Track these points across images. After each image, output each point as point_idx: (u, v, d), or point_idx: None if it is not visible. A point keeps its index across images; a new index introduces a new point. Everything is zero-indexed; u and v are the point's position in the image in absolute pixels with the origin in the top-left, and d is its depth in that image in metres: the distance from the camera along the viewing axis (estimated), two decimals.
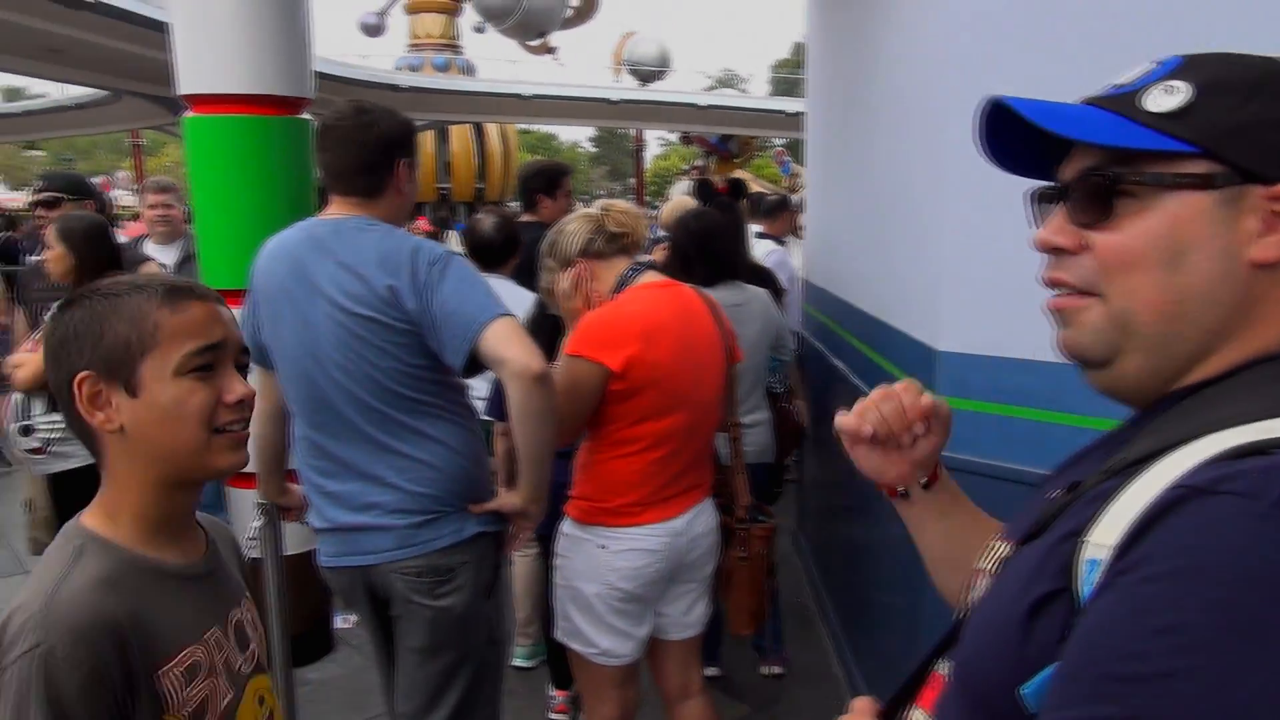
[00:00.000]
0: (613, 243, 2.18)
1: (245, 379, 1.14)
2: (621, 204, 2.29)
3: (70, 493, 3.09)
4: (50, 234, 3.22)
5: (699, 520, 2.20)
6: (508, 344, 1.82)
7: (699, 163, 24.15)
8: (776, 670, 3.48)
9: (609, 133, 51.46)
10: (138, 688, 1.00)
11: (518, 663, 3.49)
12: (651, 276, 2.18)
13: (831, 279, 3.82)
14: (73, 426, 1.08)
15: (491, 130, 21.23)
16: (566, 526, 2.18)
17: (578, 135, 57.70)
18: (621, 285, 2.15)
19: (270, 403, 2.12)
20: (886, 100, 2.77)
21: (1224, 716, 0.49)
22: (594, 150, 58.34)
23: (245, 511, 3.39)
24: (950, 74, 2.14)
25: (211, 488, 4.63)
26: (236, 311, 2.08)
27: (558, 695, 3.20)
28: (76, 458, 3.04)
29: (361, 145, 1.95)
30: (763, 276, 3.65)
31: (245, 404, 1.12)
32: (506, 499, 2.01)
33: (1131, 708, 0.52)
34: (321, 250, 1.92)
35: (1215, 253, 0.66)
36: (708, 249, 2.95)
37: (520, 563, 3.47)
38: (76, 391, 1.05)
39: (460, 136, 20.48)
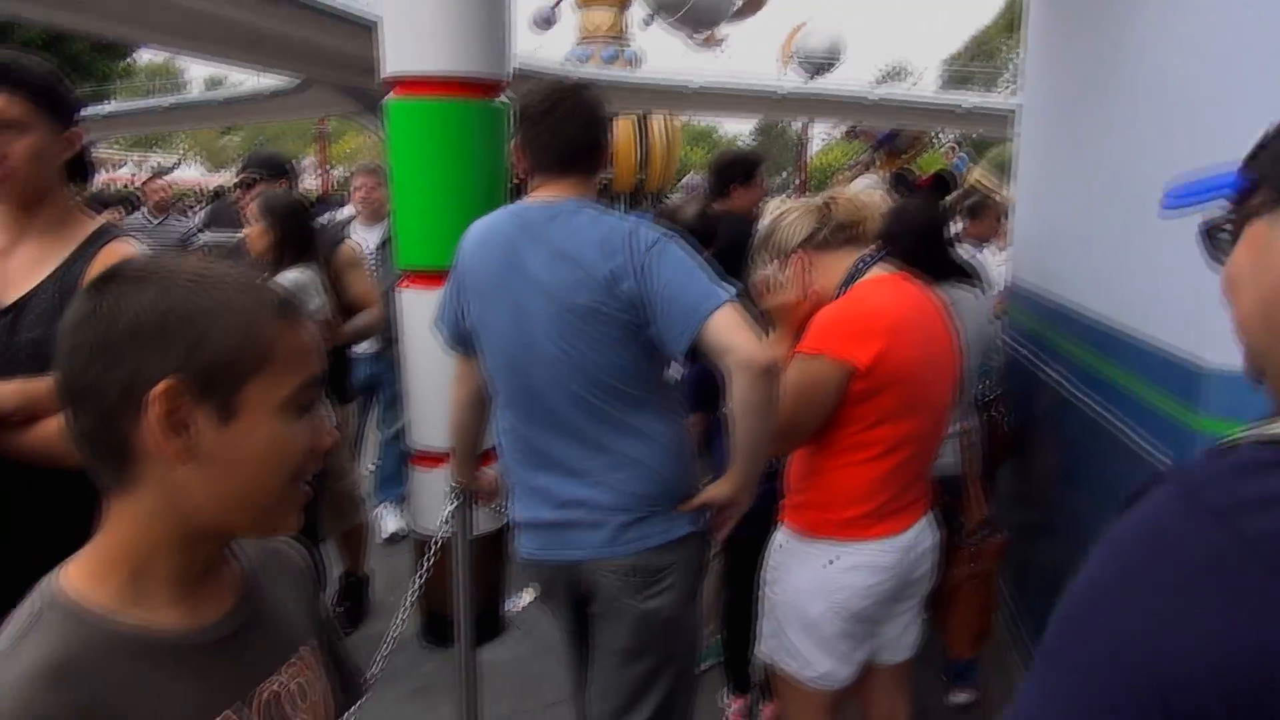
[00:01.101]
0: (840, 233, 2.02)
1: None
2: (850, 191, 2.13)
3: None
4: (252, 210, 3.32)
5: (924, 535, 2.03)
6: (735, 332, 1.71)
7: (863, 157, 23.52)
8: (965, 698, 3.24)
9: (770, 126, 50.95)
10: None
11: None
12: (883, 269, 2.02)
13: (1049, 279, 3.52)
14: (95, 441, 0.81)
15: (655, 122, 21.31)
16: (784, 539, 2.04)
17: (739, 129, 57.41)
18: (852, 279, 1.99)
19: (470, 389, 2.08)
20: (1149, 87, 2.49)
21: (1108, 653, 0.61)
22: (754, 143, 57.97)
23: (424, 492, 3.44)
24: (1240, 56, 1.88)
25: (392, 463, 4.76)
26: (433, 292, 2.11)
27: (733, 703, 3.07)
28: None
29: (586, 124, 1.88)
30: (968, 276, 3.40)
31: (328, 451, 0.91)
32: (715, 491, 1.90)
33: (1055, 642, 0.67)
34: (535, 237, 1.85)
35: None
36: (923, 244, 2.74)
37: None
38: (149, 404, 0.78)
39: (623, 128, 20.66)
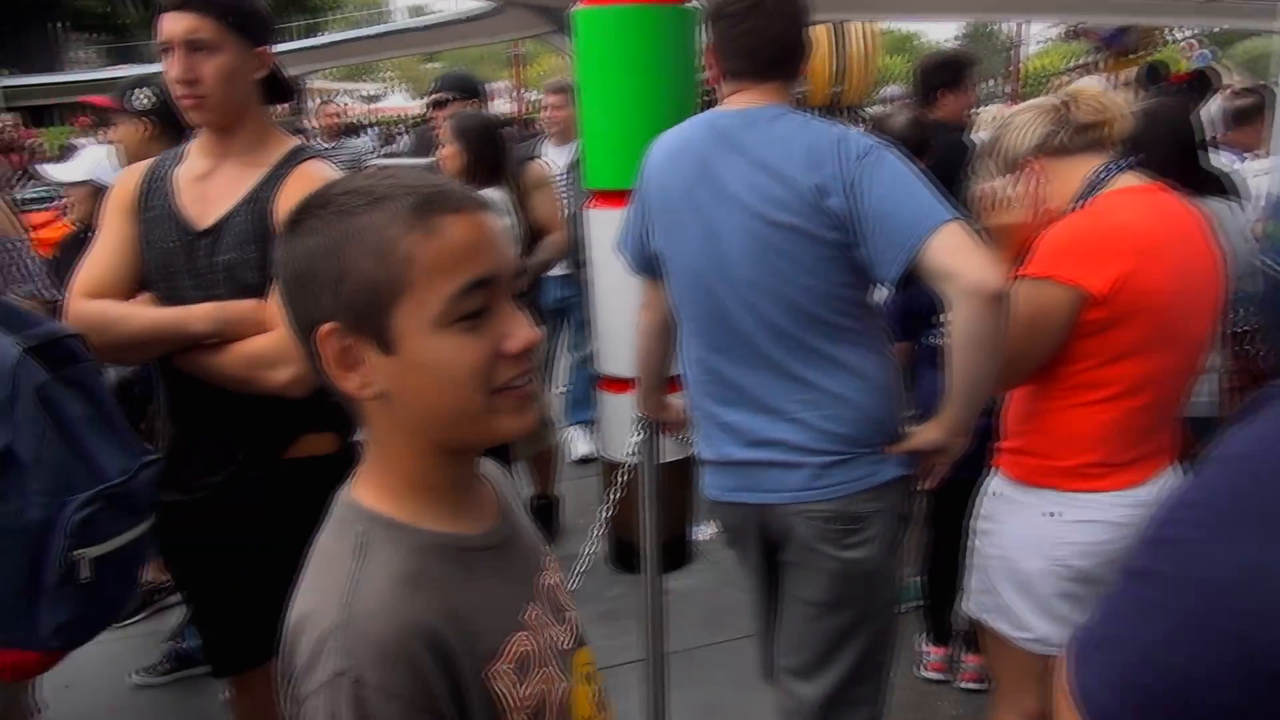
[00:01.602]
0: (1080, 136, 1.73)
1: (525, 312, 0.85)
2: (1093, 89, 1.83)
3: None
4: (444, 131, 3.31)
5: (1167, 491, 1.76)
6: (961, 254, 1.50)
7: (1086, 59, 21.43)
8: None
9: (978, 29, 47.49)
10: (468, 703, 0.80)
11: None
12: (1131, 179, 1.72)
13: None
14: (325, 383, 0.84)
15: (853, 30, 20.18)
16: (999, 485, 1.83)
17: (942, 34, 53.88)
18: (1091, 190, 1.71)
19: (656, 317, 1.96)
20: None
21: (1196, 592, 0.57)
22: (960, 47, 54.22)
23: (613, 417, 3.41)
24: None
25: (583, 386, 4.78)
26: (620, 213, 2.00)
27: (933, 652, 2.89)
28: None
29: (791, 22, 1.69)
30: (1224, 190, 2.94)
31: (530, 352, 0.83)
32: (927, 434, 1.71)
33: (1142, 562, 0.64)
34: (731, 147, 1.68)
35: None
36: (1179, 151, 2.36)
37: None
38: (320, 350, 0.80)
39: (819, 37, 19.69)
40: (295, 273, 0.80)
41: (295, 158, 1.76)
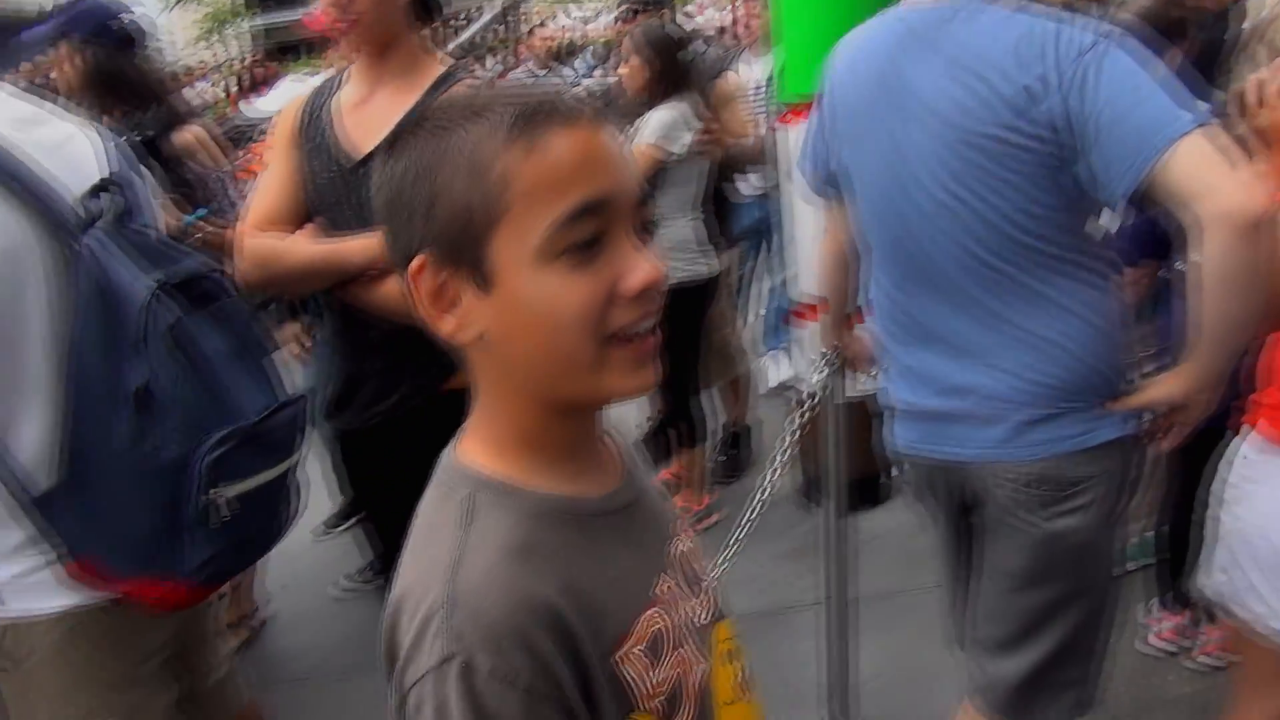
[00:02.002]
0: None
1: (651, 247, 0.71)
2: None
3: None
4: (626, 45, 3.16)
5: None
6: (1207, 170, 1.21)
7: None
8: None
9: None
10: (595, 688, 0.69)
11: None
12: None
13: None
14: (424, 325, 0.73)
15: None
16: (1249, 449, 1.53)
17: None
18: None
19: (838, 244, 1.76)
20: None
21: None
22: None
23: (805, 345, 3.21)
24: None
25: (776, 313, 4.59)
26: (800, 126, 1.79)
27: (1164, 620, 2.55)
28: None
29: None
30: None
31: (652, 293, 0.69)
32: (1164, 387, 1.43)
33: None
34: (924, 45, 1.42)
35: None
36: None
37: None
38: (413, 286, 0.70)
39: None
40: (388, 199, 0.70)
41: (448, 80, 1.70)
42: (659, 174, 2.98)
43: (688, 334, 3.22)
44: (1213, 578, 1.62)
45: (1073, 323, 1.41)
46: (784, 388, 4.38)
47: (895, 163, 1.47)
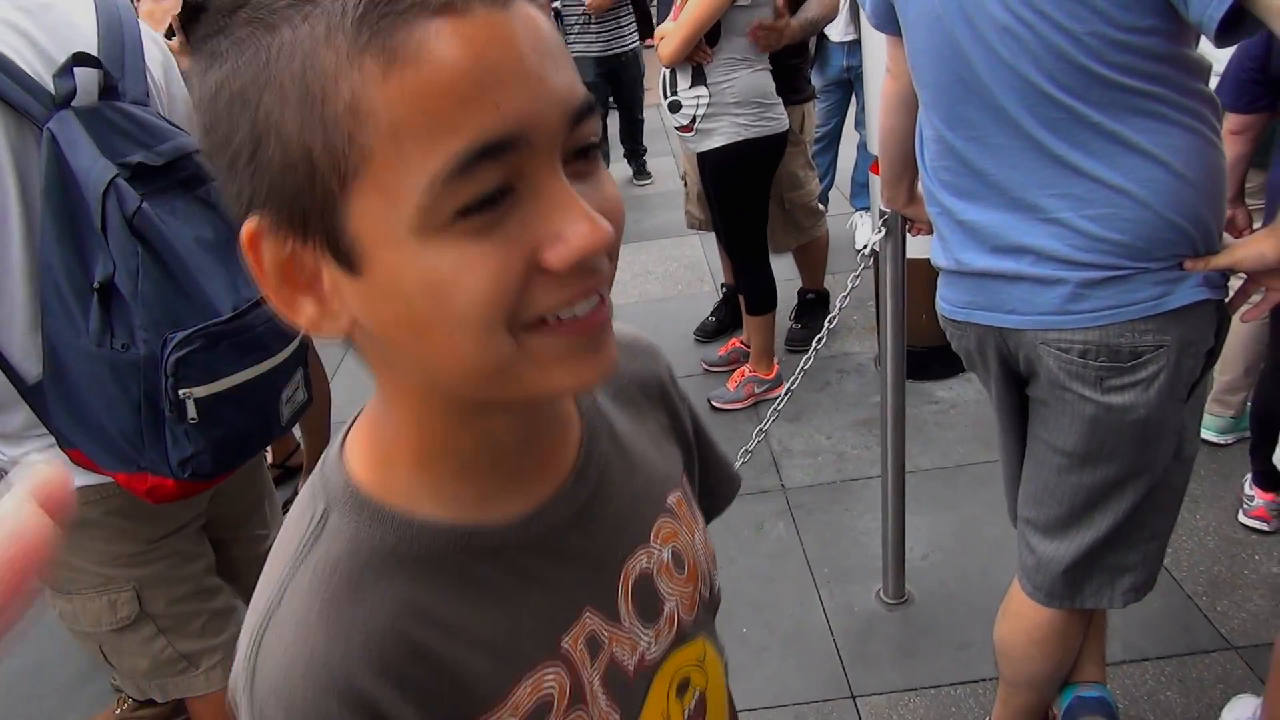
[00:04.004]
0: None
1: (596, 181, 0.49)
2: None
3: (716, 170, 2.97)
4: None
5: None
6: None
7: None
8: None
9: None
10: None
11: (1206, 434, 2.67)
12: None
13: None
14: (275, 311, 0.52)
15: None
16: None
17: None
18: None
19: (901, 84, 1.57)
20: None
21: None
22: None
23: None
24: None
25: (861, 176, 4.31)
26: None
27: (1258, 496, 2.37)
28: (720, 135, 2.87)
29: None
30: None
31: (593, 263, 0.47)
32: (1251, 247, 1.24)
33: None
34: None
35: None
36: None
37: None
38: (249, 258, 0.48)
39: None
40: (205, 125, 0.47)
41: None
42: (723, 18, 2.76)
43: (753, 196, 3.04)
44: None
45: (1149, 169, 1.22)
46: (873, 249, 4.17)
47: None
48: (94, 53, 1.21)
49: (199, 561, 1.49)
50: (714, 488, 0.80)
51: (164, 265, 1.16)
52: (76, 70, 1.16)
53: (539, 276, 0.46)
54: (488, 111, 0.43)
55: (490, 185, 0.44)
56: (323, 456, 0.59)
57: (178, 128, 1.27)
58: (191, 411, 1.17)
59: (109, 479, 1.26)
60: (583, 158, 0.48)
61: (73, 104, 1.16)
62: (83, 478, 1.26)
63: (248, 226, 0.47)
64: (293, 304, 0.49)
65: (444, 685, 0.54)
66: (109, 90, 1.20)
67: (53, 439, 1.24)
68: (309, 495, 0.57)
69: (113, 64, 1.23)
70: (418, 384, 0.53)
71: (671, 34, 2.76)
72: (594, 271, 0.48)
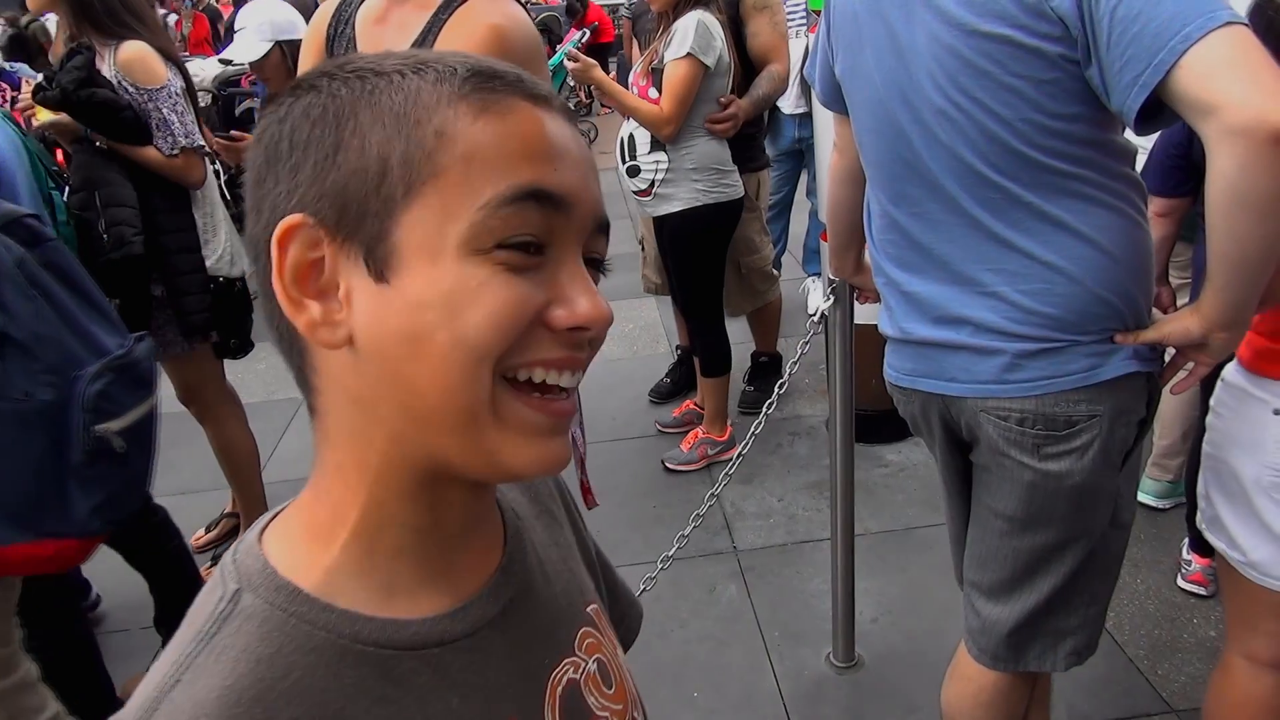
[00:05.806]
0: None
1: (595, 286, 0.54)
2: None
3: (674, 234, 3.03)
4: None
5: None
6: (1229, 73, 1.06)
7: None
8: None
9: None
10: None
11: (1144, 498, 2.76)
12: None
13: None
14: (270, 322, 0.55)
15: None
16: (1231, 373, 1.49)
17: None
18: None
19: (847, 160, 1.64)
20: None
21: None
22: None
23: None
24: None
25: (813, 243, 4.42)
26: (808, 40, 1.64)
27: (1195, 561, 2.44)
28: (679, 200, 2.94)
29: None
30: None
31: (588, 337, 0.53)
32: (1178, 321, 1.29)
33: None
34: None
35: None
36: None
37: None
38: (275, 256, 0.50)
39: None
40: (270, 145, 0.52)
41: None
42: None
43: (710, 260, 3.11)
44: (1201, 509, 1.56)
45: (1080, 247, 1.28)
46: (824, 316, 4.26)
47: (896, 69, 1.35)
48: None
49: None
50: (620, 616, 0.79)
51: (57, 309, 1.17)
52: None
53: (540, 330, 0.51)
54: (548, 169, 0.51)
55: (532, 228, 0.50)
56: (234, 544, 0.57)
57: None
58: (118, 444, 1.17)
59: None
60: (595, 267, 0.56)
61: None
62: None
63: (286, 221, 0.50)
64: (299, 305, 0.51)
65: None
66: None
67: None
68: (218, 577, 0.54)
69: None
70: (381, 426, 0.52)
71: (667, 116, 2.85)
72: (583, 347, 0.53)
